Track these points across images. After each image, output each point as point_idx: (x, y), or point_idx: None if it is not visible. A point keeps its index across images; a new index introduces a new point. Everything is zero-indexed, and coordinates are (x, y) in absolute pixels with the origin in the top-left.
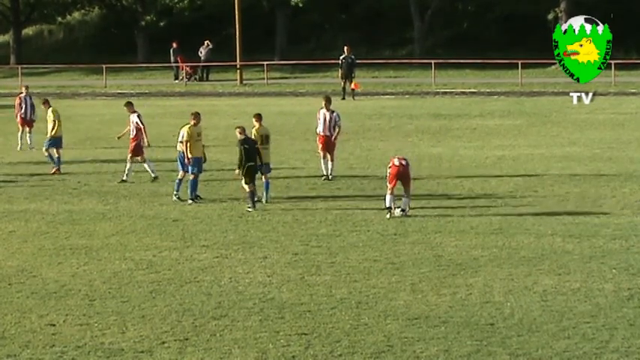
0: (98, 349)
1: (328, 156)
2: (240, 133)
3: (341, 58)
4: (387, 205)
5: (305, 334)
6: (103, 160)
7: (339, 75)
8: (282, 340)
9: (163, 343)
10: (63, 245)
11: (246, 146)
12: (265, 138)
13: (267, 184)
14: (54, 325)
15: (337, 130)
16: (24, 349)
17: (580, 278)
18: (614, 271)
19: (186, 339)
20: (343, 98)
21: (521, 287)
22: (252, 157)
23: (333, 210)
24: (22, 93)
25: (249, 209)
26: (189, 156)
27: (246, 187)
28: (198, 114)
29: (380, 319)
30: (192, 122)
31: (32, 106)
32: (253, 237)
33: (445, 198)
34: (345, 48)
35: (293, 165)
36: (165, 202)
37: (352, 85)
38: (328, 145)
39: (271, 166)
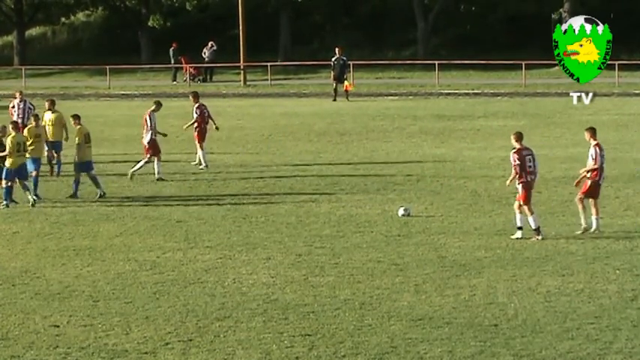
0: (102, 350)
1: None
2: None
3: (333, 59)
4: (534, 226)
5: (309, 335)
6: (106, 162)
7: (332, 77)
8: (285, 341)
9: (167, 344)
10: (67, 246)
11: None
12: (87, 136)
13: (95, 177)
14: (58, 326)
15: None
16: (28, 350)
17: (584, 279)
18: (617, 272)
19: (190, 340)
20: (334, 99)
21: (525, 288)
22: None
23: (336, 211)
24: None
25: None
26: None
27: None
28: (37, 115)
29: (384, 320)
30: (33, 123)
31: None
32: (257, 238)
33: (449, 199)
34: (337, 49)
35: (297, 166)
36: (168, 203)
37: (344, 87)
38: (205, 136)
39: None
